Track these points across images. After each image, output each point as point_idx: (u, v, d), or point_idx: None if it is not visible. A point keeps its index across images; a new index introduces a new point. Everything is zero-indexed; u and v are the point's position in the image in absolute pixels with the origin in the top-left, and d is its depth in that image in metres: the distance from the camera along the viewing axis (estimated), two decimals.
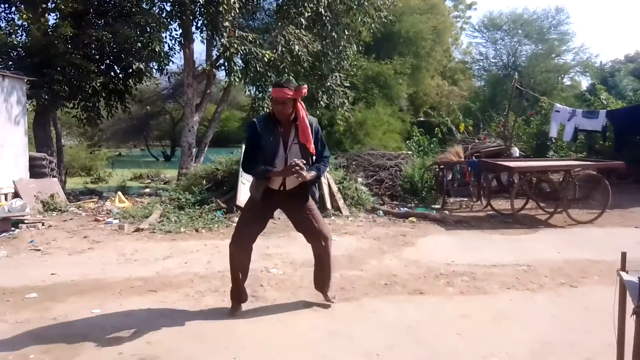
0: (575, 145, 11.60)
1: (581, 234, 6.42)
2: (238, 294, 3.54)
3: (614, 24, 63.97)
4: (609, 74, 17.99)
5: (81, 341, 3.08)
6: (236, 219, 6.93)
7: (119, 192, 9.24)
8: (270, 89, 10.50)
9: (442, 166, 8.83)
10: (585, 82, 21.78)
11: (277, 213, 7.27)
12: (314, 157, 3.38)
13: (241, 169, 3.62)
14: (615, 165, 7.77)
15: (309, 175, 3.24)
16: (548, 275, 4.52)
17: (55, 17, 9.66)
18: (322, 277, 3.69)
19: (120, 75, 10.64)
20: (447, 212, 7.93)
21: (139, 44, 8.86)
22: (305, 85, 3.32)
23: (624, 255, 2.41)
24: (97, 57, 10.18)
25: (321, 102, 11.23)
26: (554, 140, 11.57)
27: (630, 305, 2.07)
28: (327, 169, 3.47)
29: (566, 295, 4.02)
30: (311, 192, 3.46)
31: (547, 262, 4.95)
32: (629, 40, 62.66)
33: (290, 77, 11.29)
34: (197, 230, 6.53)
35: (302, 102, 3.31)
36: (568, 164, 7.84)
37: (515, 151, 10.31)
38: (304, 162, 3.21)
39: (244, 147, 3.69)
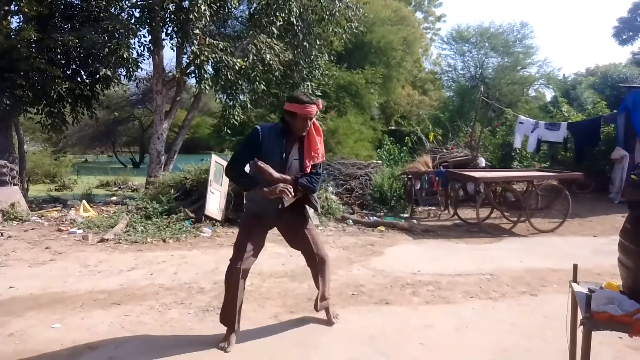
0: (538, 155, 11.98)
1: (542, 243, 6.63)
2: (232, 319, 3.20)
3: (575, 39, 66.61)
4: (571, 86, 18.64)
5: (38, 357, 3.00)
6: (205, 229, 6.95)
7: (84, 201, 9.00)
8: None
9: (410, 176, 8.99)
10: (549, 94, 22.54)
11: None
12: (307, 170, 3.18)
13: (223, 171, 3.34)
14: (575, 176, 8.07)
15: (293, 199, 3.05)
16: (510, 284, 4.65)
17: (18, 21, 9.40)
18: (323, 284, 3.52)
19: (87, 81, 10.38)
20: (415, 221, 8.06)
21: (107, 50, 8.66)
22: (321, 99, 3.25)
23: (575, 267, 2.52)
24: (63, 62, 9.92)
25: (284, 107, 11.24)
26: (518, 151, 11.93)
27: (581, 316, 2.16)
28: (314, 190, 3.23)
29: (526, 303, 4.14)
30: (313, 205, 3.33)
31: (510, 271, 5.09)
32: (590, 54, 65.37)
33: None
34: (164, 241, 6.43)
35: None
36: (531, 175, 8.10)
37: (482, 161, 10.58)
38: (292, 189, 3.01)
39: (235, 150, 3.41)
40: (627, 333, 1.93)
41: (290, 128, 3.09)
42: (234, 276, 3.11)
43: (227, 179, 7.83)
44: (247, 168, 3.21)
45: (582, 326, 1.99)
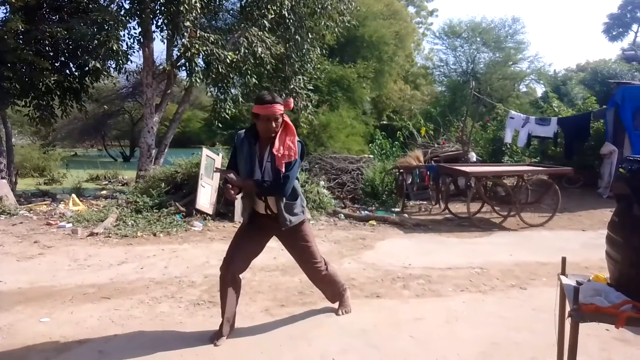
0: (528, 150, 12.07)
1: (532, 237, 6.69)
2: (225, 322, 3.17)
3: (566, 35, 67.04)
4: (561, 82, 18.74)
5: (27, 352, 2.97)
6: (196, 223, 6.92)
7: (74, 194, 8.93)
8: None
9: (402, 170, 9.00)
10: (539, 90, 22.69)
11: (239, 216, 7.26)
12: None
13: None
14: (564, 171, 8.13)
15: (237, 180, 2.96)
16: (499, 278, 4.69)
17: (4, 11, 9.25)
18: (330, 291, 3.63)
19: (76, 73, 10.26)
20: (406, 215, 8.09)
21: (96, 42, 8.55)
22: (292, 98, 3.18)
23: (564, 259, 2.54)
24: (52, 54, 9.79)
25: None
26: (508, 146, 12.01)
27: (569, 308, 2.18)
28: (269, 192, 3.05)
29: (516, 297, 4.18)
30: (282, 217, 3.10)
31: (499, 265, 5.14)
32: (580, 50, 65.84)
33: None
34: (154, 235, 6.39)
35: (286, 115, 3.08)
36: (521, 169, 8.16)
37: (473, 156, 10.64)
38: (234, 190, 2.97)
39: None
40: (613, 324, 1.95)
41: (258, 132, 3.04)
42: (224, 279, 3.14)
43: (219, 173, 7.80)
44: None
45: (569, 318, 2.00)
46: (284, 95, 11.07)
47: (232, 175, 2.96)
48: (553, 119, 11.07)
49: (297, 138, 3.09)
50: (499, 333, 3.35)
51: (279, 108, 2.93)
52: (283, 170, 2.99)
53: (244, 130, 3.13)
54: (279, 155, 2.98)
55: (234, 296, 3.18)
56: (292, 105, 3.06)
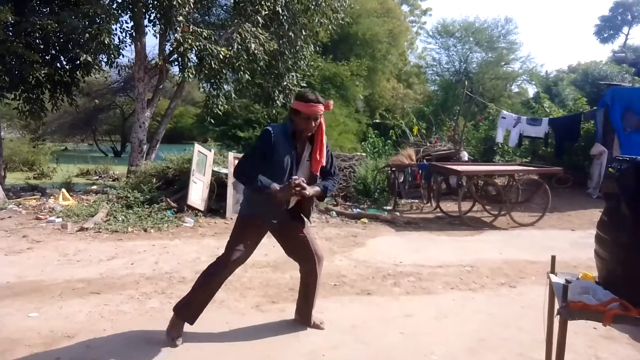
0: (519, 150, 12.16)
1: (522, 236, 6.74)
2: (192, 316, 3.08)
3: (558, 36, 67.55)
4: (552, 83, 18.91)
5: (14, 346, 2.94)
6: (187, 219, 6.89)
7: (63, 189, 8.85)
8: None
9: (394, 168, 9.03)
10: (531, 90, 22.86)
11: (230, 212, 7.24)
12: (324, 174, 3.13)
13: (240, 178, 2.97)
14: (554, 171, 8.21)
15: (312, 190, 2.96)
16: (489, 276, 4.73)
17: None
18: (305, 306, 3.34)
19: (67, 67, 10.17)
20: (398, 213, 8.12)
21: (87, 35, 8.44)
22: (332, 101, 3.10)
23: (553, 258, 2.57)
24: (42, 46, 9.67)
25: (277, 102, 11.24)
26: (500, 146, 12.09)
27: (557, 306, 2.21)
28: (333, 186, 3.18)
29: (505, 294, 4.22)
30: (308, 213, 3.19)
31: (489, 263, 5.18)
32: (572, 51, 66.41)
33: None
34: (145, 230, 6.36)
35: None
36: (512, 169, 8.22)
37: (464, 155, 10.69)
38: (304, 180, 2.90)
39: (246, 153, 3.23)
40: (600, 322, 1.97)
41: (296, 131, 2.97)
42: (218, 277, 3.02)
43: (210, 170, 7.77)
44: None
45: (558, 315, 2.03)
46: (277, 92, 11.06)
47: (309, 189, 2.90)
48: (544, 119, 11.16)
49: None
50: (487, 329, 3.38)
51: (321, 108, 2.89)
52: (318, 173, 3.05)
53: (276, 126, 3.00)
54: (318, 159, 3.01)
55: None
56: (331, 107, 3.02)
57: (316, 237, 6.02)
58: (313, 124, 2.92)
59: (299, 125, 2.93)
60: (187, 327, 3.17)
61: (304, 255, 3.22)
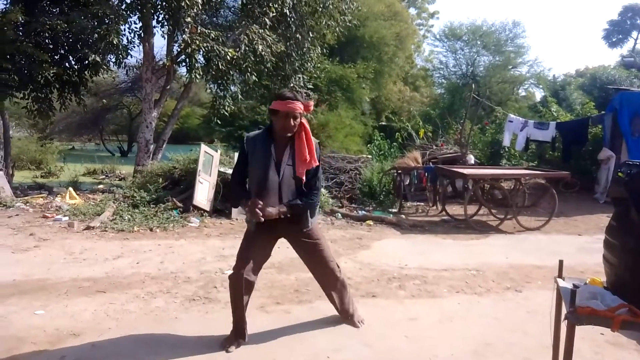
0: (526, 154, 12.10)
1: (528, 240, 6.70)
2: (236, 328, 3.08)
3: (566, 40, 67.26)
4: (560, 87, 18.84)
5: (19, 344, 2.96)
6: (193, 219, 6.91)
7: (70, 188, 8.90)
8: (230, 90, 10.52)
9: (400, 171, 9.01)
10: (538, 94, 22.78)
11: (236, 213, 7.26)
12: (303, 185, 2.96)
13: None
14: (562, 175, 8.15)
15: (275, 211, 2.85)
16: (495, 280, 4.70)
17: (5, 2, 9.22)
18: (343, 309, 3.37)
19: (75, 67, 10.24)
20: (403, 216, 8.10)
21: (96, 35, 8.51)
22: (312, 101, 2.99)
23: (561, 262, 2.55)
24: (51, 46, 9.75)
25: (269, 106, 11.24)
26: (506, 149, 12.03)
27: (565, 311, 2.19)
28: (317, 205, 3.12)
29: (511, 299, 4.19)
30: (303, 218, 3.04)
31: (495, 267, 5.14)
32: (580, 55, 66.08)
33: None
34: (151, 230, 6.38)
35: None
36: (519, 173, 8.17)
37: (471, 158, 10.65)
38: (261, 203, 2.82)
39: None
40: (609, 328, 1.95)
41: (274, 132, 2.90)
42: (236, 286, 2.97)
43: (216, 170, 7.79)
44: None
45: (566, 320, 2.01)
46: None
47: (270, 210, 2.83)
48: (551, 124, 11.10)
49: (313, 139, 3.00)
50: (493, 334, 3.36)
51: (299, 106, 2.81)
52: (304, 178, 2.91)
53: (252, 133, 3.00)
54: (306, 162, 2.88)
55: (246, 302, 3.06)
56: (311, 107, 2.92)
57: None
58: (292, 123, 2.82)
59: (277, 125, 2.85)
60: (190, 328, 3.18)
61: (320, 277, 3.27)
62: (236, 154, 7.97)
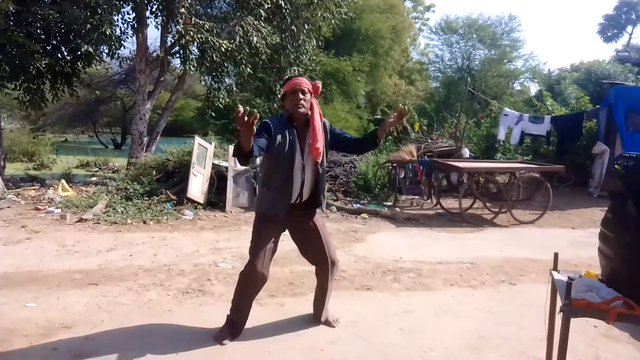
0: (521, 148, 12.11)
1: (522, 234, 6.71)
2: (235, 323, 3.08)
3: (561, 34, 67.32)
4: (555, 81, 18.81)
5: (10, 336, 2.93)
6: (187, 212, 6.87)
7: (63, 180, 8.83)
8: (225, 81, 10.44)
9: (395, 164, 9.00)
10: (533, 88, 22.75)
11: (229, 206, 7.22)
12: (347, 140, 3.13)
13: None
14: (556, 169, 8.17)
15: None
16: (489, 273, 4.70)
17: None
18: (318, 305, 3.33)
19: (68, 58, 10.12)
20: (398, 209, 8.09)
21: (89, 26, 8.40)
22: (320, 81, 3.03)
23: (556, 255, 2.54)
24: (43, 36, 9.62)
25: (279, 96, 11.19)
26: (501, 143, 12.04)
27: (560, 303, 2.18)
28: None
29: (505, 292, 4.19)
30: (319, 201, 3.08)
31: (489, 260, 5.15)
32: (575, 50, 66.18)
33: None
34: (144, 222, 6.34)
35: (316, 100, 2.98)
36: (513, 167, 8.18)
37: (466, 152, 10.65)
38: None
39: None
40: (604, 320, 1.95)
41: (291, 115, 2.90)
42: (255, 282, 2.93)
43: (210, 163, 7.74)
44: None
45: (561, 313, 2.00)
46: (278, 86, 11.00)
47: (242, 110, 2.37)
48: (546, 118, 11.12)
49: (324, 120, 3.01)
50: (487, 327, 3.36)
51: (305, 81, 2.90)
52: (319, 160, 2.92)
53: (273, 119, 2.95)
54: (315, 145, 2.87)
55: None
56: (319, 88, 2.96)
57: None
58: (300, 96, 2.85)
59: (289, 106, 2.89)
60: (184, 321, 3.16)
61: (318, 259, 3.17)
62: (231, 147, 7.97)
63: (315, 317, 3.36)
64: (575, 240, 6.29)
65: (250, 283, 2.96)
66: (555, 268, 2.49)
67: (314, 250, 3.15)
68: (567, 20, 70.15)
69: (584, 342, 3.14)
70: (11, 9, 8.23)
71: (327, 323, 3.30)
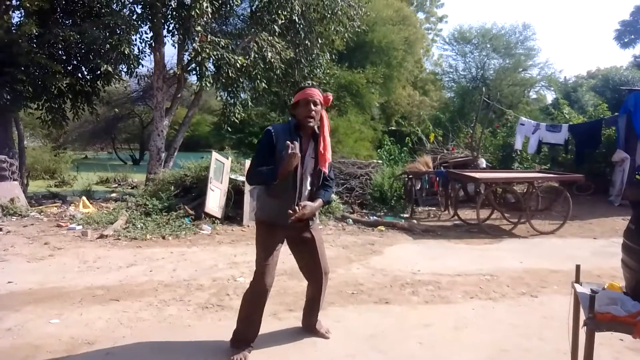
0: (539, 157, 11.97)
1: (542, 244, 6.61)
2: (246, 337, 3.06)
3: (577, 41, 66.66)
4: (572, 89, 18.60)
5: (35, 352, 2.98)
6: (204, 226, 6.93)
7: (84, 197, 9.00)
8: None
9: (411, 176, 8.97)
10: (549, 96, 22.50)
11: (246, 220, 7.26)
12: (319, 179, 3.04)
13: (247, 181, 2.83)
14: (575, 178, 8.05)
15: (315, 205, 2.92)
16: (509, 285, 4.64)
17: (19, 15, 9.37)
18: (309, 317, 3.35)
19: (88, 77, 10.38)
20: (415, 221, 8.05)
21: (108, 46, 8.63)
22: (331, 93, 3.09)
23: (578, 267, 2.51)
24: (64, 57, 9.89)
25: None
26: (518, 152, 11.92)
27: (583, 316, 2.15)
28: (332, 194, 3.13)
29: (526, 304, 4.13)
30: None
31: (509, 272, 5.08)
32: (591, 57, 65.41)
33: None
34: (163, 237, 6.41)
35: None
36: (531, 176, 8.09)
37: (482, 162, 10.57)
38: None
39: (252, 157, 3.09)
40: (629, 334, 1.91)
41: (299, 124, 2.92)
42: (265, 294, 2.96)
43: (227, 177, 7.82)
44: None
45: (585, 327, 1.97)
46: (291, 99, 11.10)
47: (310, 206, 2.89)
48: (564, 126, 10.99)
49: None
50: (509, 340, 3.31)
51: (318, 93, 2.92)
52: (326, 170, 2.97)
53: (278, 125, 2.98)
54: (324, 153, 2.92)
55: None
56: (330, 100, 2.99)
57: (332, 246, 6.02)
58: (311, 107, 2.87)
59: (300, 115, 2.91)
60: (204, 336, 3.18)
61: (312, 270, 3.19)
62: (247, 161, 8.04)
63: (306, 329, 3.38)
64: (597, 250, 6.17)
65: (258, 297, 2.98)
66: (577, 280, 2.46)
67: (311, 261, 3.16)
68: (582, 27, 69.48)
69: (609, 355, 3.07)
70: (34, 31, 8.50)
71: (319, 334, 3.31)
